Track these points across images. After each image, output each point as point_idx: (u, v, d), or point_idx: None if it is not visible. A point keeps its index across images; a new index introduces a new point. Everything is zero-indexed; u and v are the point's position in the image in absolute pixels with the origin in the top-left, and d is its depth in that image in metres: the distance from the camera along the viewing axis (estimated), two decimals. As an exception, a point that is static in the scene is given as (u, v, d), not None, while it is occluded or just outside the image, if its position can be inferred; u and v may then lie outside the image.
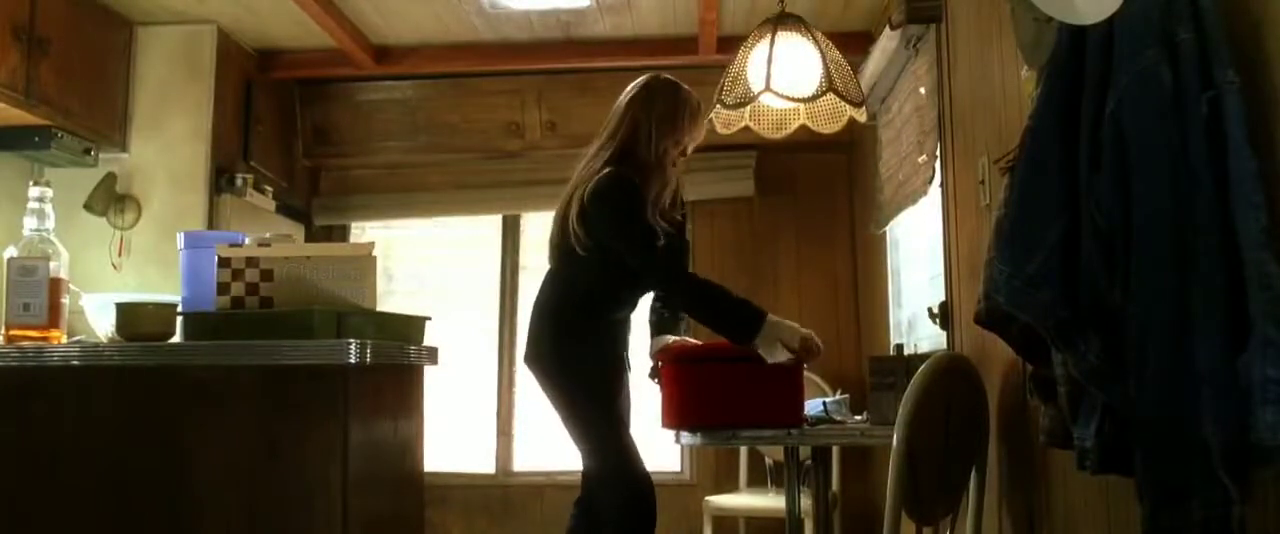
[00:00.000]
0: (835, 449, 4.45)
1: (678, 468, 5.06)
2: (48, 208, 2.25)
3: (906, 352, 3.19)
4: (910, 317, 4.12)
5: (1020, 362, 2.32)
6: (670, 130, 2.94)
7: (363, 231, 5.42)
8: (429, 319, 2.39)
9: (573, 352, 2.96)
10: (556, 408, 2.98)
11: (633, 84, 3.05)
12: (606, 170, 2.87)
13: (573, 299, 2.99)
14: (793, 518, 3.32)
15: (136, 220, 4.25)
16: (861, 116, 3.17)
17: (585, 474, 3.01)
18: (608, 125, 3.00)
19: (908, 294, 4.20)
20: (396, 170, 5.36)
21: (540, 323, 3.01)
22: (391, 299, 5.09)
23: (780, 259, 5.17)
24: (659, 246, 2.83)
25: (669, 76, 3.06)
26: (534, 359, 3.01)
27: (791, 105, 3.12)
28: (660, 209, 2.91)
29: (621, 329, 3.06)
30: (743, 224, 5.19)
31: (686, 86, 3.03)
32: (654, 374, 2.97)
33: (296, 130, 5.14)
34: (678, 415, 2.78)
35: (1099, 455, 1.70)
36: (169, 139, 4.30)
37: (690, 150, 3.04)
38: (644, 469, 2.92)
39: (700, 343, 3.18)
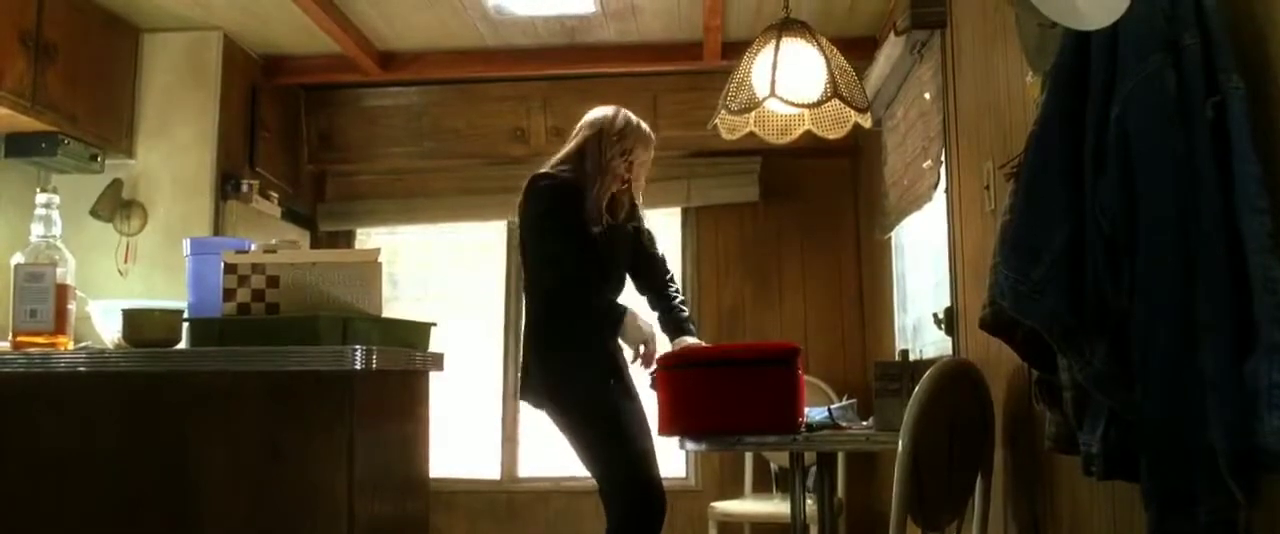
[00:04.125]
0: (840, 455, 4.45)
1: (683, 474, 5.05)
2: (54, 214, 2.25)
3: (912, 357, 3.19)
4: (915, 322, 4.12)
5: (1025, 367, 2.31)
6: (618, 140, 3.10)
7: (368, 237, 5.42)
8: (434, 325, 2.39)
9: (560, 370, 2.98)
10: (558, 428, 3.02)
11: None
12: (538, 174, 3.06)
13: (546, 315, 3.02)
14: (798, 524, 3.31)
15: (142, 226, 4.26)
16: (866, 122, 3.17)
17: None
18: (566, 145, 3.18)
19: (913, 299, 4.20)
20: (402, 176, 5.36)
21: (526, 348, 3.06)
22: (396, 305, 5.10)
23: (785, 264, 5.17)
24: (569, 246, 2.97)
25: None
26: (528, 390, 3.04)
27: (796, 111, 3.12)
28: (603, 210, 3.05)
29: (607, 334, 3.06)
30: (747, 229, 5.19)
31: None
32: (654, 383, 2.98)
33: (302, 136, 5.15)
34: (670, 422, 2.78)
35: (1104, 461, 1.70)
36: (175, 145, 4.32)
37: (636, 166, 3.16)
38: (652, 475, 2.93)
39: (705, 345, 3.18)
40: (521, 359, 3.13)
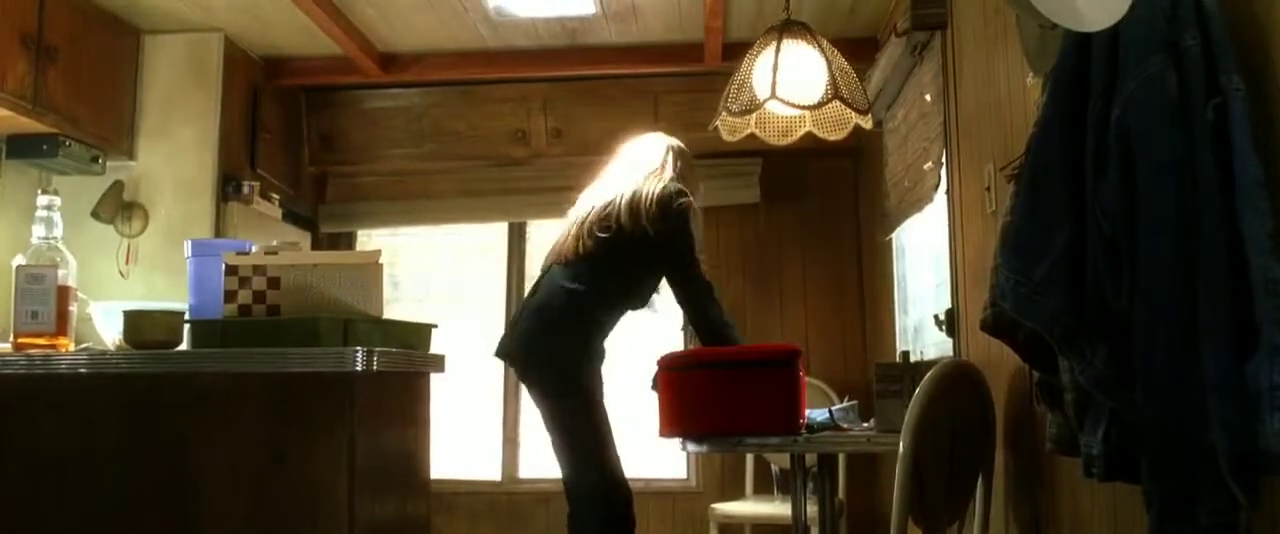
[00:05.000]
0: (841, 456, 4.45)
1: (684, 475, 5.05)
2: (56, 216, 2.25)
3: (913, 358, 3.19)
4: (917, 323, 4.12)
5: (1026, 368, 2.31)
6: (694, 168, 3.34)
7: (369, 239, 5.43)
8: (435, 326, 2.39)
9: (583, 369, 3.03)
10: (550, 418, 3.05)
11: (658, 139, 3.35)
12: (677, 186, 3.13)
13: (594, 317, 3.07)
14: (799, 525, 3.31)
15: (144, 228, 4.26)
16: (867, 123, 3.17)
17: (566, 483, 3.07)
18: (647, 158, 3.26)
19: (914, 301, 4.20)
20: (403, 178, 5.37)
21: (552, 337, 3.07)
22: (398, 306, 5.10)
23: (786, 266, 5.17)
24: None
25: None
26: (538, 368, 3.06)
27: (797, 112, 3.12)
28: None
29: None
30: (748, 231, 5.19)
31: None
32: (655, 384, 2.99)
33: (303, 138, 5.15)
34: (671, 423, 2.78)
35: (1105, 462, 1.70)
36: (176, 147, 4.32)
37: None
38: (623, 476, 3.01)
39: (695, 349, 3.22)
40: (526, 328, 3.13)
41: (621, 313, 3.17)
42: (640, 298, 3.20)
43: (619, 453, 3.06)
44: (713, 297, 3.11)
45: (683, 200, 3.12)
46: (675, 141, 3.32)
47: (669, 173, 3.19)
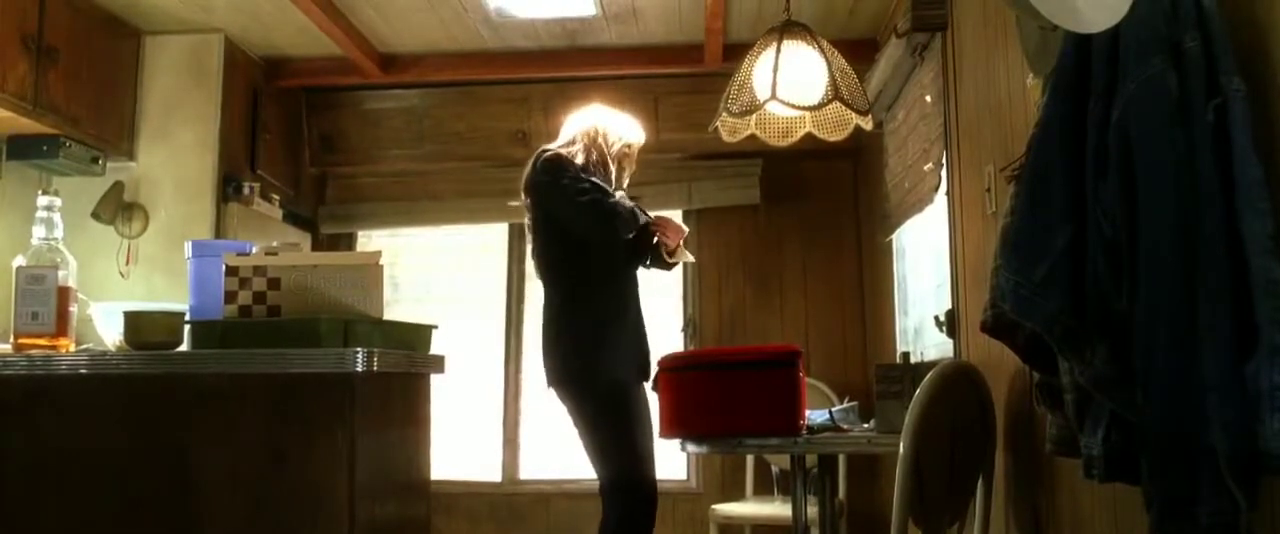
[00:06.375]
0: (841, 457, 4.45)
1: (684, 476, 5.05)
2: (56, 217, 2.25)
3: (913, 359, 3.19)
4: (917, 324, 4.12)
5: (1027, 369, 2.31)
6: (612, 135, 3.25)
7: (369, 240, 5.43)
8: (436, 327, 2.39)
9: (577, 363, 3.02)
10: (572, 420, 3.05)
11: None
12: (542, 154, 3.15)
13: (564, 308, 3.05)
14: (799, 526, 3.31)
15: (144, 229, 4.26)
16: (867, 124, 3.17)
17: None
18: (561, 132, 3.30)
19: (914, 302, 4.20)
20: (403, 178, 5.36)
21: (545, 342, 3.08)
22: (398, 307, 5.10)
23: (786, 267, 5.17)
24: (591, 195, 3.04)
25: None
26: (553, 381, 3.07)
27: (797, 113, 3.12)
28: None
29: (625, 329, 3.09)
30: (748, 232, 5.19)
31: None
32: (655, 384, 3.00)
33: (303, 139, 5.16)
34: (671, 424, 2.79)
35: (1105, 463, 1.70)
36: (176, 148, 4.32)
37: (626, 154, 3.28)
38: (649, 475, 2.97)
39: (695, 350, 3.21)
40: (543, 343, 3.14)
41: (596, 286, 3.12)
42: (575, 273, 3.14)
43: (643, 452, 3.00)
44: (601, 218, 3.05)
45: (545, 155, 3.11)
46: (602, 121, 3.26)
47: (573, 147, 3.18)
